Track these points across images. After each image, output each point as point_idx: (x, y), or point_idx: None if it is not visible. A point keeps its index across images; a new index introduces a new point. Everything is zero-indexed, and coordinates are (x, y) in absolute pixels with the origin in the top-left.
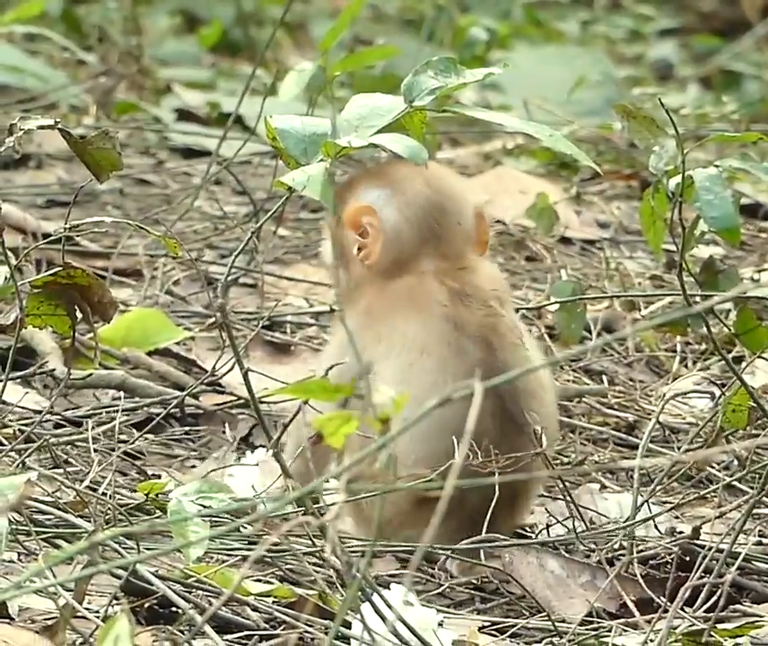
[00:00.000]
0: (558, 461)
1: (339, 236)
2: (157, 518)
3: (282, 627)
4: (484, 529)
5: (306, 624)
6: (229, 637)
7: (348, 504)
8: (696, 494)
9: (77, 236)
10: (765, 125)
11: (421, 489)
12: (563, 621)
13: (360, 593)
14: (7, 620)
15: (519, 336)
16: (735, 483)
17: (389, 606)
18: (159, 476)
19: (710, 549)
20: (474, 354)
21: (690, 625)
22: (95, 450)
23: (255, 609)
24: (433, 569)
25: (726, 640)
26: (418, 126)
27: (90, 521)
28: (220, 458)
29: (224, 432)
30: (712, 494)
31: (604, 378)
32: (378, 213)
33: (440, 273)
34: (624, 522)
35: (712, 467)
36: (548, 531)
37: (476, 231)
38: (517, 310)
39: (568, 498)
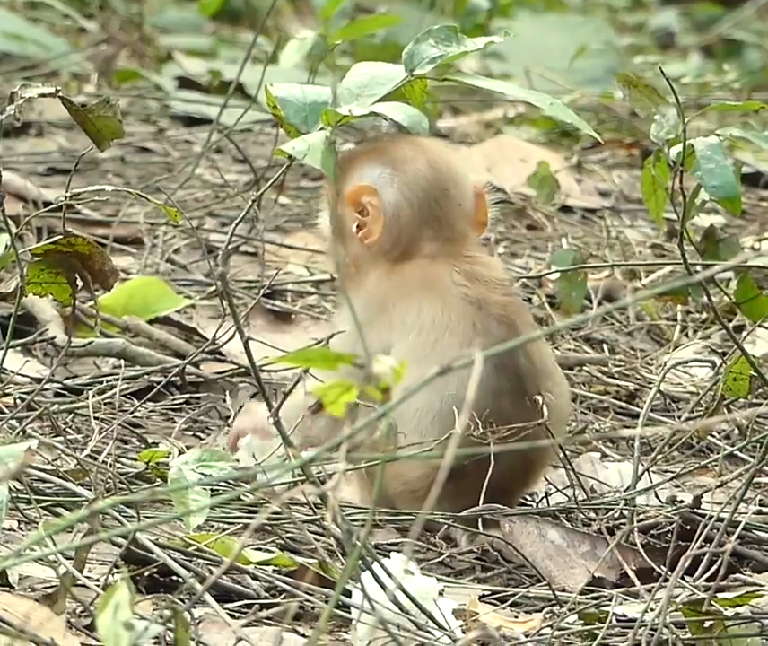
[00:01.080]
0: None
1: (338, 210)
2: (157, 486)
3: (282, 596)
4: (482, 500)
5: (306, 593)
6: (229, 606)
7: (361, 477)
8: (697, 464)
9: (78, 204)
10: (767, 93)
11: (422, 459)
12: (564, 590)
13: (360, 562)
14: (7, 588)
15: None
16: (736, 452)
17: (390, 575)
18: (159, 445)
19: (710, 518)
20: (498, 334)
21: (690, 595)
22: (95, 419)
23: (255, 578)
24: (434, 538)
25: (726, 609)
26: (419, 94)
27: (90, 490)
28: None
29: (225, 401)
30: (713, 464)
31: (605, 347)
32: (379, 193)
33: (449, 256)
34: (625, 491)
35: (713, 436)
36: (548, 500)
37: (476, 211)
38: (518, 279)
39: (568, 467)
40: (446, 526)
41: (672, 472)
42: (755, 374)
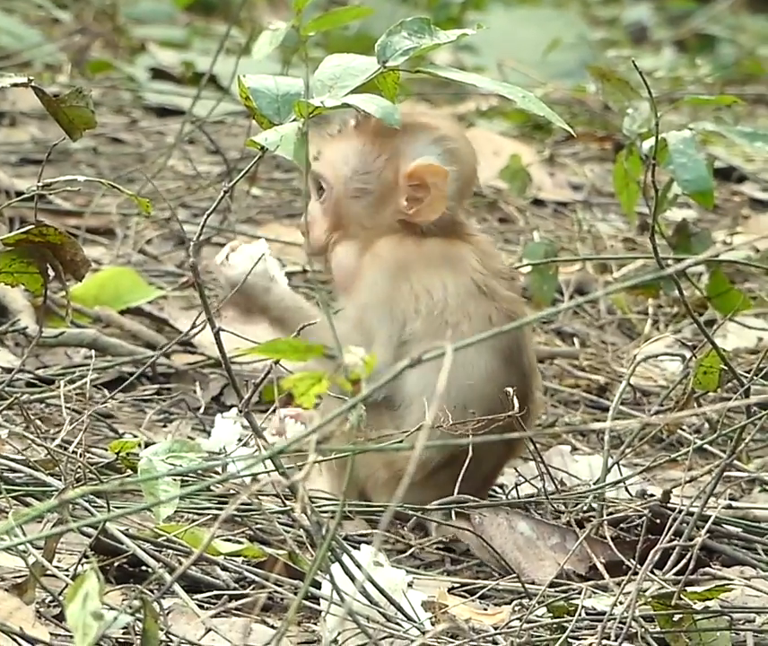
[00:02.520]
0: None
1: (389, 182)
2: (127, 477)
3: (251, 587)
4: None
5: (275, 584)
6: (198, 596)
7: (331, 469)
8: (667, 457)
9: (50, 194)
10: (739, 88)
11: (391, 450)
12: (533, 583)
13: (329, 553)
14: None
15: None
16: (706, 446)
17: (359, 567)
18: (132, 435)
19: (680, 512)
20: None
21: (660, 588)
22: (66, 409)
23: (224, 569)
24: (404, 529)
25: (695, 603)
26: (391, 86)
27: (60, 480)
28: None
29: (195, 392)
30: (683, 457)
31: (575, 340)
32: (445, 176)
33: (459, 235)
34: (595, 484)
35: (683, 430)
36: (518, 492)
37: None
38: None
39: (539, 459)
40: (415, 517)
41: (642, 465)
42: (725, 368)
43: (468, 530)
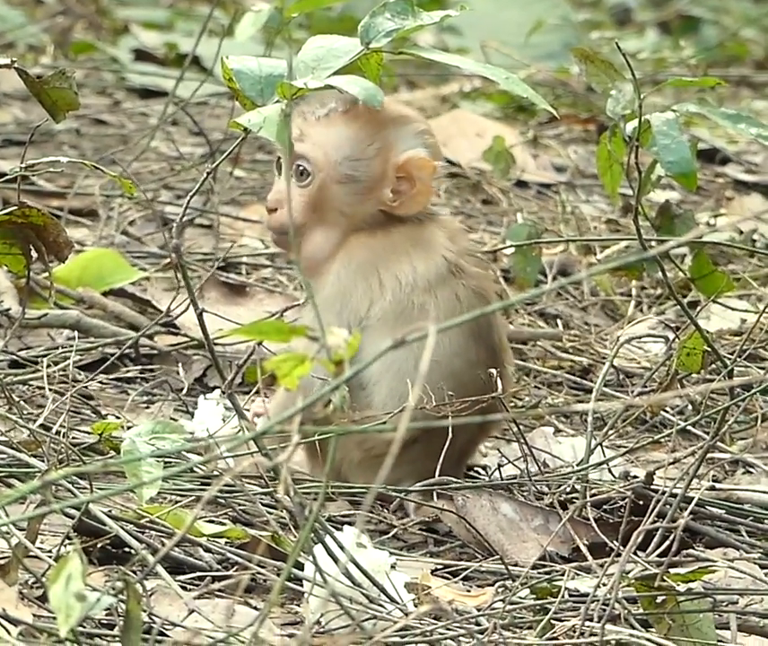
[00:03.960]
0: (513, 404)
1: (377, 174)
2: (110, 458)
3: (234, 568)
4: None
5: (258, 566)
6: (181, 578)
7: (310, 450)
8: (650, 439)
9: (33, 175)
10: (723, 70)
11: (373, 432)
12: (516, 564)
13: (312, 535)
14: None
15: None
16: (689, 428)
17: (342, 548)
18: (115, 417)
19: (663, 494)
20: (474, 306)
21: (643, 570)
22: (49, 390)
23: (207, 550)
24: (387, 510)
25: (678, 584)
26: (374, 68)
27: (43, 461)
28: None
29: (178, 373)
30: (666, 439)
31: (559, 321)
32: (433, 171)
33: (426, 217)
34: (578, 466)
35: (666, 412)
36: (500, 473)
37: None
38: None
39: (522, 441)
40: (398, 499)
41: (625, 447)
42: (709, 349)
43: (451, 512)
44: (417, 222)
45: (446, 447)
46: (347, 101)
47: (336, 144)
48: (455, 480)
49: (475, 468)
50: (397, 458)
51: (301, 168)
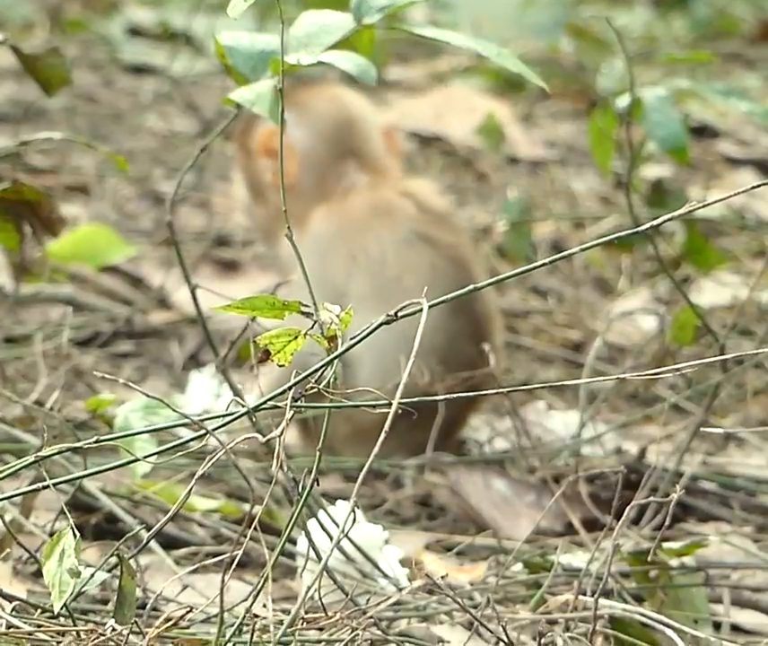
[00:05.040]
0: (505, 376)
1: (253, 170)
2: (104, 433)
3: (228, 543)
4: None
5: (252, 541)
6: (175, 553)
7: (302, 425)
8: (642, 413)
9: (26, 149)
10: (714, 45)
11: (367, 408)
12: (509, 540)
13: (306, 510)
14: None
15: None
16: (681, 402)
17: (335, 524)
18: (107, 392)
19: (655, 468)
20: (454, 276)
21: (636, 544)
22: (43, 365)
23: (201, 525)
24: (381, 483)
25: (671, 559)
26: (367, 44)
27: (37, 436)
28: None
29: (172, 350)
30: (658, 414)
31: (550, 297)
32: (286, 133)
33: (385, 183)
34: (570, 440)
35: (658, 386)
36: (492, 445)
37: (388, 148)
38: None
39: (515, 416)
40: (391, 472)
41: (617, 422)
42: (700, 324)
43: (445, 486)
44: (375, 188)
45: (434, 420)
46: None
47: (235, 176)
48: (448, 455)
49: (468, 442)
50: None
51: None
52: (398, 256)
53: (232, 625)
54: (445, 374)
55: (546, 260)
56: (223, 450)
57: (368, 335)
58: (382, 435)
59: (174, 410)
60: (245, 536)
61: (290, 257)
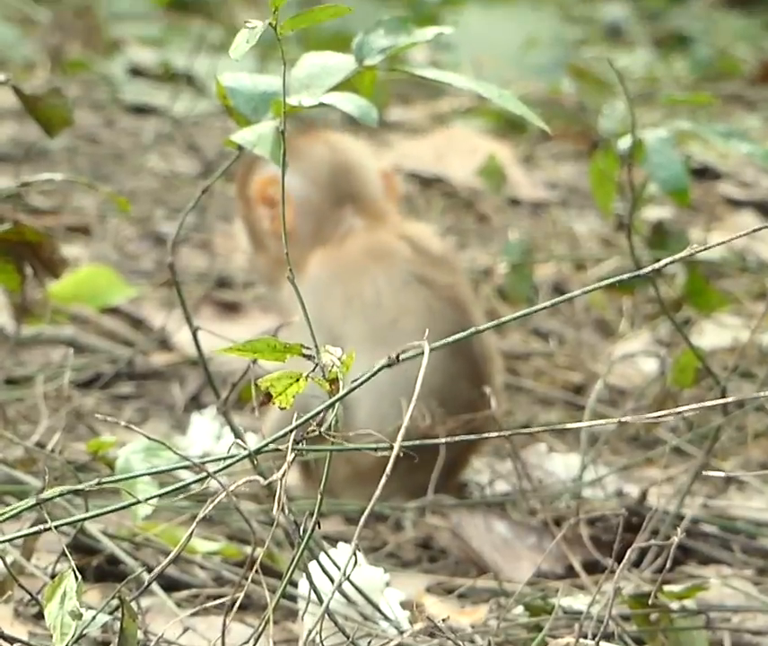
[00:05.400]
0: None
1: (252, 218)
2: (106, 478)
3: (229, 585)
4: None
5: (253, 583)
6: (176, 595)
7: (303, 468)
8: (643, 456)
9: (28, 192)
10: (715, 87)
11: (369, 451)
12: (510, 582)
13: (307, 552)
14: None
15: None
16: (682, 445)
17: (336, 566)
18: (108, 434)
19: (656, 511)
20: (452, 318)
21: (636, 587)
22: (44, 407)
23: (202, 568)
24: (382, 526)
25: (672, 601)
26: (368, 85)
27: (38, 478)
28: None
29: (173, 391)
30: (659, 456)
31: (551, 339)
32: (273, 181)
33: (382, 226)
34: (572, 483)
35: (659, 429)
36: (493, 488)
37: (386, 192)
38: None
39: (516, 458)
40: (391, 515)
41: (618, 464)
42: (701, 366)
43: (446, 529)
44: (372, 231)
45: (435, 462)
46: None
47: (236, 230)
48: (450, 498)
49: (469, 485)
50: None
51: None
52: (395, 298)
53: None
54: (445, 416)
55: (548, 303)
56: (225, 493)
57: (368, 378)
58: (383, 478)
59: (175, 452)
60: (246, 579)
61: (290, 300)
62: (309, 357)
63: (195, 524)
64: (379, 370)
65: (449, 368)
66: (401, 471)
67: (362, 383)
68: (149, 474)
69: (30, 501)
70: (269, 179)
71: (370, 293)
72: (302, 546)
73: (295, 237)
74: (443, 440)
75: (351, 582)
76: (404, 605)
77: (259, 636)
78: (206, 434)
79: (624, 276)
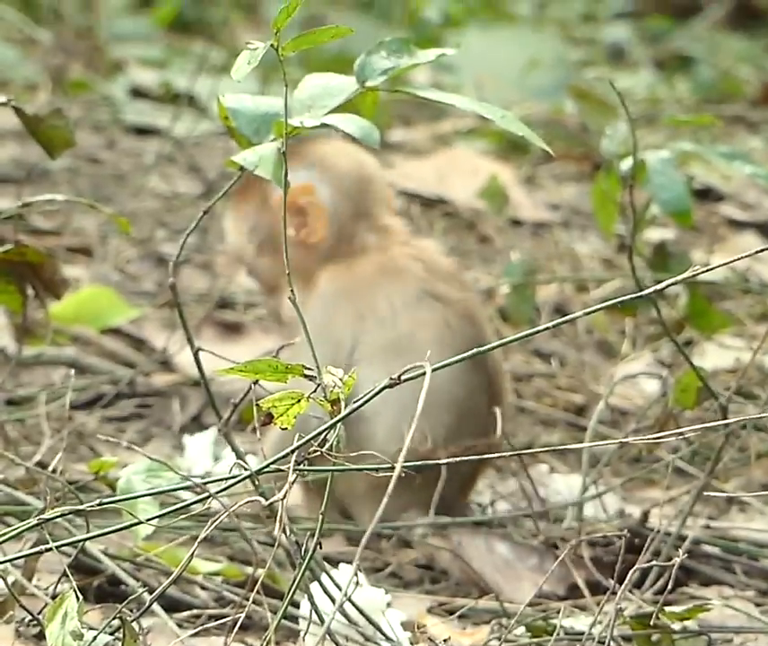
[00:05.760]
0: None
1: (268, 222)
2: (107, 496)
3: (230, 606)
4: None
5: (254, 604)
6: (177, 616)
7: (307, 487)
8: (645, 477)
9: (29, 212)
10: (717, 107)
11: (371, 471)
12: (512, 603)
13: (308, 573)
14: None
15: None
16: (684, 466)
17: (338, 587)
18: (110, 455)
19: (658, 532)
20: (467, 333)
21: (638, 608)
22: (46, 427)
23: (203, 588)
24: (386, 543)
25: (674, 622)
26: (370, 106)
27: (39, 499)
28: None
29: (174, 412)
30: (662, 477)
31: (553, 360)
32: (317, 191)
33: (393, 245)
34: (573, 504)
35: (661, 450)
36: (495, 508)
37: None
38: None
39: (523, 479)
40: (395, 535)
41: (620, 486)
42: (703, 387)
43: (448, 550)
44: (383, 248)
45: (448, 476)
46: (230, 192)
47: (234, 230)
48: (451, 519)
49: (472, 504)
50: (402, 486)
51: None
52: (410, 313)
53: None
54: (464, 428)
55: (550, 324)
56: (226, 513)
57: (370, 398)
58: (384, 499)
59: (177, 473)
60: (248, 599)
61: (292, 310)
62: (311, 378)
63: (196, 544)
64: (381, 390)
65: (469, 381)
66: (416, 485)
67: (363, 404)
68: (151, 494)
69: (32, 521)
70: (303, 188)
71: (384, 308)
72: (304, 567)
73: (318, 249)
74: (444, 461)
75: (352, 603)
76: (405, 625)
77: None
78: (202, 455)
79: (627, 297)
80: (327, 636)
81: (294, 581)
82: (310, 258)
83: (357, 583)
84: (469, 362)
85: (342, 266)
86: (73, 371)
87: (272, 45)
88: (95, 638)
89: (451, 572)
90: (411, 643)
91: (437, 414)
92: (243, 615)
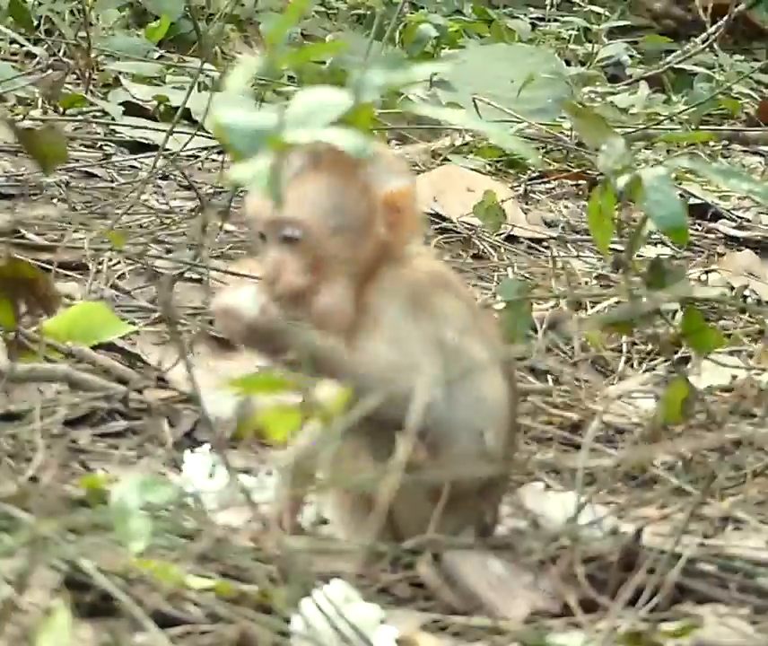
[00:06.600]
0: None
1: (361, 210)
2: (99, 513)
3: (223, 622)
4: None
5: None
6: (170, 631)
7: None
8: (640, 495)
9: (23, 229)
10: (715, 125)
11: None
12: (505, 620)
13: (301, 589)
14: None
15: None
16: (679, 483)
17: (331, 603)
18: (102, 471)
19: (652, 549)
20: (502, 345)
21: (632, 626)
22: (38, 443)
23: (196, 604)
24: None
25: (668, 640)
26: (365, 121)
27: (31, 514)
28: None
29: (167, 428)
30: (656, 495)
31: (549, 377)
32: (414, 198)
33: (425, 254)
34: (568, 522)
35: (656, 467)
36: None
37: None
38: None
39: (520, 498)
40: (391, 554)
41: (615, 503)
42: (690, 399)
43: (441, 567)
44: (422, 257)
45: (497, 495)
46: (314, 155)
47: (318, 198)
48: (444, 538)
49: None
50: (458, 504)
51: (288, 234)
52: (471, 319)
53: None
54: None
55: (544, 340)
56: (218, 531)
57: (367, 415)
58: (377, 516)
59: (173, 489)
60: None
61: (378, 304)
62: (304, 393)
63: (189, 561)
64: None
65: (511, 398)
66: (472, 502)
67: (355, 423)
68: (143, 510)
69: (24, 536)
70: (404, 191)
71: (449, 313)
72: (295, 584)
73: (392, 251)
74: (434, 475)
75: (345, 619)
76: (398, 642)
77: None
78: (201, 472)
79: (622, 315)
80: None
81: (287, 598)
82: (370, 259)
83: (350, 599)
84: (510, 379)
85: (400, 269)
86: (65, 387)
87: (267, 60)
88: None
89: (441, 597)
90: None
91: (505, 427)
92: (236, 632)
